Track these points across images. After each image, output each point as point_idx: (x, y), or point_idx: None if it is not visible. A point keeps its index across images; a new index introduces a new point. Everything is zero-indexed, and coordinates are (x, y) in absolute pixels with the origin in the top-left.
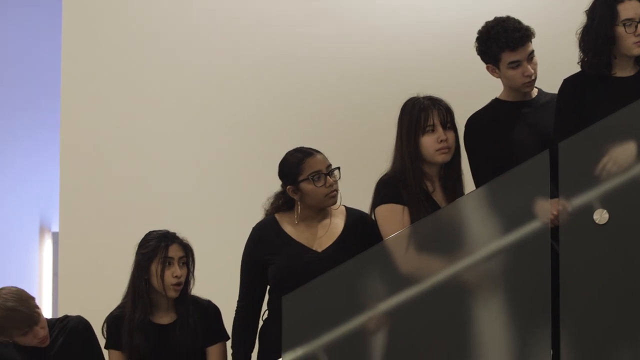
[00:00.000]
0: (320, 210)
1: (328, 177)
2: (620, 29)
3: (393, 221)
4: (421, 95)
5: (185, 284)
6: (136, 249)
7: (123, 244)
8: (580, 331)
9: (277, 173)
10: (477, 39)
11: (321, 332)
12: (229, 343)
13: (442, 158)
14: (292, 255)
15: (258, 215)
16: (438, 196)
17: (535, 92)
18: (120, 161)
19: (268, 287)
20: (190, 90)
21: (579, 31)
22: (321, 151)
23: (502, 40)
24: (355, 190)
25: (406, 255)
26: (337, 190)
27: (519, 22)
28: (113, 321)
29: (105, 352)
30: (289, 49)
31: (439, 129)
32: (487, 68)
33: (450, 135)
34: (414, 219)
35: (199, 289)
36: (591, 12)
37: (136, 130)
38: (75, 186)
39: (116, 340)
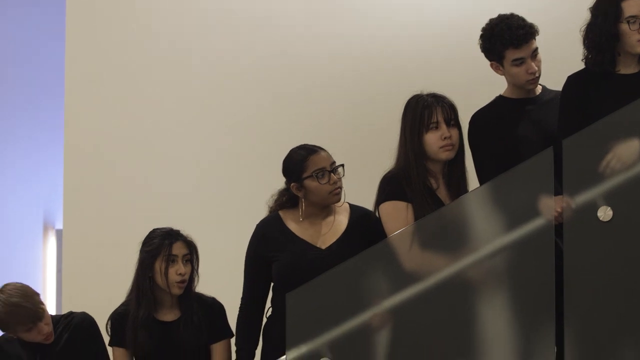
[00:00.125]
0: (324, 208)
1: (332, 174)
2: (624, 26)
3: (397, 218)
4: (425, 92)
5: (190, 281)
6: (140, 246)
7: (127, 241)
8: (584, 328)
9: (280, 170)
10: (481, 37)
11: (325, 330)
12: (233, 340)
13: (446, 155)
14: (296, 253)
15: (262, 213)
16: (442, 193)
17: (539, 89)
18: (123, 159)
19: (272, 284)
20: (192, 89)
21: (582, 28)
22: (325, 148)
23: (506, 38)
24: (359, 187)
25: (410, 253)
26: (341, 188)
27: (522, 20)
28: (117, 318)
29: (109, 349)
30: (291, 47)
31: (443, 126)
32: (491, 65)
33: (454, 132)
34: (418, 216)
35: (203, 286)
36: (595, 9)
37: (139, 128)
38: (79, 184)
39: (120, 338)
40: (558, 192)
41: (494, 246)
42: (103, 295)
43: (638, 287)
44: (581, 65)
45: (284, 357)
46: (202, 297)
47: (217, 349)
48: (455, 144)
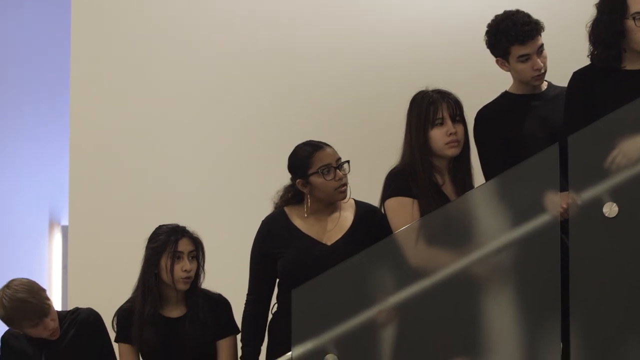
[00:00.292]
0: (330, 204)
1: (338, 170)
2: (630, 23)
3: (403, 214)
4: (430, 88)
5: (195, 277)
6: (146, 242)
7: (132, 238)
8: (590, 324)
9: (286, 167)
10: (487, 33)
11: (330, 326)
12: (239, 336)
13: (451, 152)
14: (302, 249)
15: (267, 209)
16: (448, 189)
17: (544, 86)
18: (129, 155)
19: (277, 280)
20: (198, 86)
21: (588, 24)
22: (331, 144)
23: (511, 34)
24: (365, 184)
25: (416, 249)
26: (346, 185)
27: (528, 16)
28: (123, 315)
29: (115, 346)
30: (296, 44)
31: (448, 122)
32: (497, 61)
33: (459, 128)
34: (423, 211)
35: (209, 283)
36: (601, 6)
37: (145, 124)
38: (85, 180)
39: (126, 334)
40: (564, 188)
41: (500, 242)
42: (109, 292)
43: None
44: (587, 61)
45: (289, 353)
46: (208, 294)
47: (223, 345)
48: (460, 140)
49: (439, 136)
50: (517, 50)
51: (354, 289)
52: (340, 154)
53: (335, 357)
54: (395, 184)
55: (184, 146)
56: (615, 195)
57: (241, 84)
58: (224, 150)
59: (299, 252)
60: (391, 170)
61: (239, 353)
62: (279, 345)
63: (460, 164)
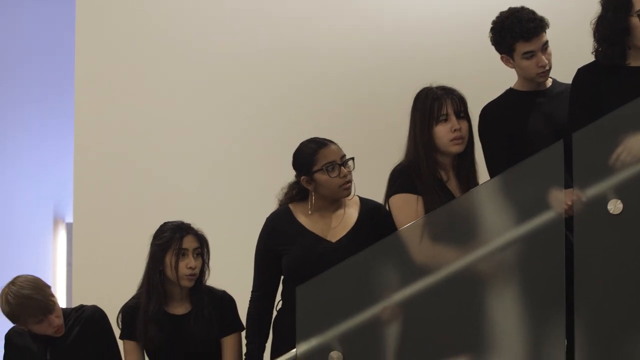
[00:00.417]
0: (334, 201)
1: (342, 167)
2: (635, 20)
3: (407, 211)
4: (434, 85)
5: (200, 274)
6: (151, 240)
7: (137, 235)
8: (595, 321)
9: (290, 164)
10: (492, 30)
11: (335, 323)
12: (243, 333)
13: (456, 149)
14: (306, 246)
15: (272, 206)
16: (452, 185)
17: (549, 82)
18: (133, 153)
19: (282, 277)
20: (203, 84)
21: (593, 21)
22: (335, 142)
23: (516, 31)
24: (369, 181)
25: (420, 246)
26: (351, 182)
27: (533, 13)
28: (128, 312)
29: (120, 343)
30: (301, 42)
31: (453, 118)
32: (502, 58)
33: (463, 124)
34: (428, 208)
35: (213, 280)
36: (605, 3)
37: (149, 122)
38: (89, 177)
39: (131, 331)
40: (568, 185)
41: (504, 239)
42: (113, 289)
43: None
44: (591, 58)
45: (294, 350)
46: (212, 291)
47: (227, 342)
48: (464, 136)
49: (444, 132)
50: (521, 47)
51: (358, 286)
52: (345, 151)
53: (340, 354)
54: (399, 180)
55: (188, 143)
56: (620, 192)
57: (245, 83)
58: (228, 147)
59: (303, 249)
60: (395, 167)
61: (244, 350)
62: (284, 342)
63: (465, 160)
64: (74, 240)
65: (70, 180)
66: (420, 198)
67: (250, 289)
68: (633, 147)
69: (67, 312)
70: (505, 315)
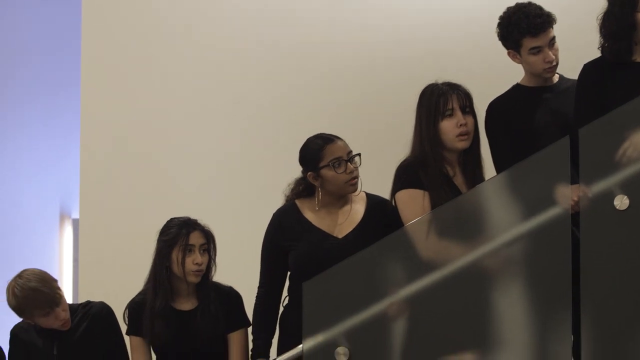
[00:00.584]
0: (341, 197)
1: (349, 163)
2: None
3: (413, 206)
4: (440, 81)
5: (207, 270)
6: (157, 235)
7: (143, 231)
8: (601, 317)
9: (297, 159)
10: (499, 25)
11: (342, 319)
12: (250, 329)
13: (461, 145)
14: (313, 242)
15: (278, 202)
16: (459, 181)
17: (556, 78)
18: (139, 149)
19: (288, 273)
20: (208, 80)
21: (599, 17)
22: (342, 137)
23: (523, 26)
24: (376, 177)
25: (427, 241)
26: (357, 178)
27: (540, 8)
28: (134, 307)
29: (126, 338)
30: (306, 38)
31: (458, 113)
32: (508, 54)
33: (469, 120)
34: (434, 203)
35: (220, 276)
36: None
37: (155, 118)
38: (96, 173)
39: (137, 327)
40: (574, 180)
41: (511, 235)
42: (119, 285)
43: None
44: (598, 54)
45: (300, 346)
46: (219, 287)
47: (234, 338)
48: (470, 131)
49: (450, 127)
50: (528, 43)
51: (365, 282)
52: (351, 147)
53: (346, 349)
54: (405, 176)
55: (195, 139)
56: (626, 187)
57: (250, 80)
58: (235, 143)
59: (310, 245)
60: (401, 163)
61: (250, 346)
62: (290, 338)
63: (470, 156)
64: (80, 236)
65: (77, 177)
66: (426, 194)
67: (257, 284)
68: (639, 142)
69: (74, 308)
70: (512, 311)
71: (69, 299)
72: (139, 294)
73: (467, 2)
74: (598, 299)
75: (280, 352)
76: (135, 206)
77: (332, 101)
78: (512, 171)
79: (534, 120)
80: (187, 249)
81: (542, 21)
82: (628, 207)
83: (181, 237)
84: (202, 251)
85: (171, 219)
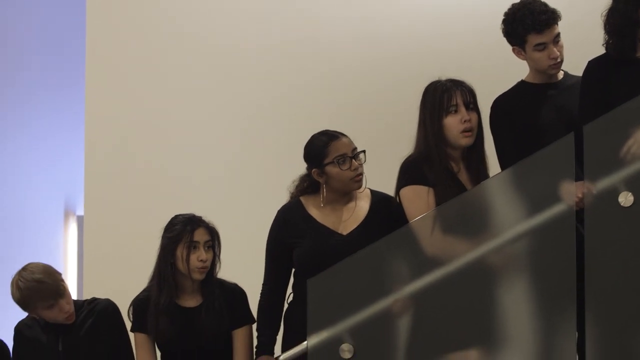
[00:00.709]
0: (346, 194)
1: (353, 160)
2: None
3: (418, 202)
4: (443, 78)
5: (211, 267)
6: (162, 232)
7: (148, 228)
8: (605, 314)
9: (301, 156)
10: (503, 21)
11: (346, 315)
12: (254, 326)
13: (465, 141)
14: (317, 239)
15: (283, 199)
16: (463, 177)
17: (561, 75)
18: (144, 145)
19: (293, 270)
20: (213, 77)
21: (604, 13)
22: (346, 134)
23: (528, 23)
24: (381, 173)
25: (431, 238)
26: (362, 174)
27: (545, 5)
28: (139, 304)
29: (130, 335)
30: (311, 34)
31: (462, 109)
32: (513, 50)
33: (473, 116)
34: (439, 199)
35: (225, 272)
36: None
37: (160, 115)
38: (100, 169)
39: (142, 323)
40: (579, 177)
41: (516, 232)
42: (124, 281)
43: None
44: (602, 51)
45: (305, 342)
46: (224, 283)
47: (238, 334)
48: (474, 127)
49: (454, 124)
50: (533, 39)
51: (369, 279)
52: (356, 144)
53: (351, 346)
54: (410, 172)
55: (199, 136)
56: (631, 184)
57: (255, 77)
58: (239, 140)
59: (314, 242)
60: (405, 159)
61: (255, 342)
62: (295, 335)
63: (474, 153)
64: (85, 233)
65: (81, 173)
66: (431, 190)
67: (261, 281)
68: None
69: (79, 304)
70: (516, 308)
71: (73, 295)
72: (144, 290)
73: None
74: (602, 295)
75: (284, 349)
76: (139, 203)
77: (336, 98)
78: (516, 168)
79: (538, 117)
80: (192, 246)
81: (547, 17)
82: (632, 203)
83: (186, 233)
84: (206, 248)
85: (176, 216)
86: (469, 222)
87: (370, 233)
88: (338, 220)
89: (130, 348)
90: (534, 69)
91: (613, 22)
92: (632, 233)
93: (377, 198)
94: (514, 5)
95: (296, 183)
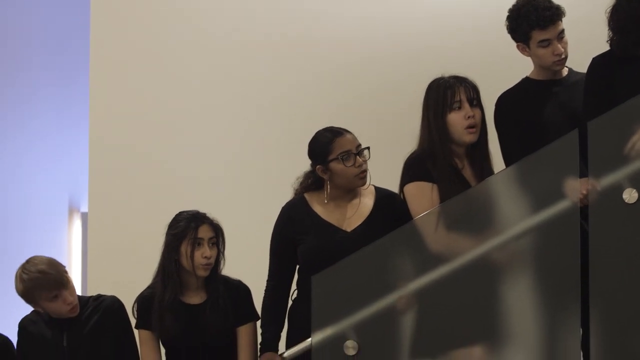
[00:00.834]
0: (350, 190)
1: (357, 157)
2: None
3: (422, 199)
4: (446, 75)
5: (216, 264)
6: (166, 229)
7: (152, 224)
8: (610, 310)
9: (306, 153)
10: (508, 17)
11: (350, 312)
12: (259, 323)
13: (469, 138)
14: (322, 235)
15: (287, 195)
16: (467, 173)
17: (565, 71)
18: (148, 142)
19: (297, 266)
20: (219, 73)
21: (608, 10)
22: (351, 131)
23: (532, 19)
24: (385, 170)
25: (436, 234)
26: (366, 171)
27: (549, 1)
28: (143, 301)
29: (135, 332)
30: (316, 31)
31: (466, 105)
32: (517, 47)
33: (476, 112)
34: (443, 195)
35: (229, 269)
36: None
37: (164, 111)
38: (104, 166)
39: (146, 320)
40: (583, 174)
41: (520, 228)
42: (128, 278)
43: None
44: (606, 47)
45: (309, 339)
46: (228, 280)
47: (243, 331)
48: (478, 124)
49: (457, 120)
50: (537, 35)
51: (373, 275)
52: (360, 141)
53: (355, 343)
54: (413, 169)
55: (204, 133)
56: (635, 181)
57: (259, 74)
58: (243, 137)
59: (319, 239)
60: (409, 156)
61: (259, 339)
62: (299, 331)
63: (478, 149)
64: (89, 230)
65: (86, 170)
66: (435, 186)
67: (266, 278)
68: None
69: (84, 300)
70: (521, 304)
71: (77, 292)
72: (148, 287)
73: None
74: (607, 292)
75: (289, 346)
76: (144, 200)
77: (340, 95)
78: (521, 164)
79: (543, 114)
80: (196, 243)
81: (551, 14)
82: (637, 200)
83: (190, 230)
84: (210, 245)
85: (180, 213)
86: (473, 219)
87: (375, 230)
88: (342, 217)
89: (135, 345)
90: (538, 65)
91: (617, 18)
92: (637, 229)
93: (381, 195)
94: (518, 1)
95: (300, 180)
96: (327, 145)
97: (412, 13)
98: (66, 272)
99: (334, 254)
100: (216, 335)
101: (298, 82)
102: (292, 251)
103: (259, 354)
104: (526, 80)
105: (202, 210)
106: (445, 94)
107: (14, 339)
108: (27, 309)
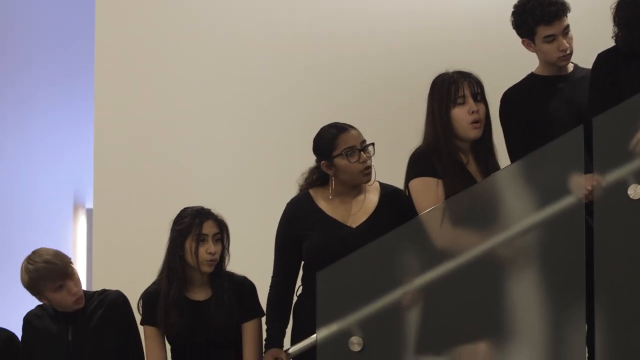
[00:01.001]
0: (355, 186)
1: (362, 152)
2: None
3: (427, 194)
4: (451, 70)
5: (220, 260)
6: (171, 225)
7: (157, 221)
8: (615, 306)
9: (311, 149)
10: (513, 13)
11: (355, 308)
12: (264, 319)
13: (474, 133)
14: (327, 232)
15: (292, 191)
16: (472, 168)
17: (571, 67)
18: (153, 138)
19: (302, 262)
20: (223, 69)
21: (613, 6)
22: (355, 127)
23: (537, 14)
24: (390, 166)
25: (441, 230)
26: (371, 167)
27: None
28: (148, 297)
29: (140, 328)
30: (320, 25)
31: (470, 100)
32: (523, 42)
33: (481, 107)
34: (448, 190)
35: (234, 265)
36: None
37: (170, 107)
38: (109, 163)
39: (151, 317)
40: (588, 169)
41: (525, 224)
42: (133, 275)
43: None
44: (612, 43)
45: (314, 335)
46: (233, 276)
47: (248, 327)
48: (482, 119)
49: (462, 115)
50: (543, 31)
51: (378, 271)
52: (365, 137)
53: (360, 339)
54: (418, 164)
55: (208, 129)
56: None
57: (264, 69)
58: (248, 132)
59: (324, 235)
60: (414, 151)
61: (264, 335)
62: (304, 328)
63: (483, 144)
64: (94, 226)
65: (90, 166)
66: (440, 181)
67: (270, 274)
68: None
69: (89, 295)
70: (526, 300)
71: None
72: (153, 283)
73: None
74: (612, 288)
75: (294, 342)
76: (149, 196)
77: (344, 91)
78: (526, 160)
79: (548, 110)
80: (201, 239)
81: (557, 9)
82: None
83: (194, 226)
84: (215, 241)
85: (184, 209)
86: (479, 215)
87: (380, 226)
88: (347, 213)
89: (139, 340)
90: (544, 61)
91: (622, 14)
92: None
93: (387, 191)
94: None
95: (305, 176)
96: (331, 141)
97: (414, 9)
98: (71, 263)
99: (339, 250)
100: (221, 332)
101: (302, 78)
102: (297, 247)
103: (264, 350)
104: (531, 76)
105: (207, 206)
106: (449, 89)
107: (19, 334)
108: (32, 304)
